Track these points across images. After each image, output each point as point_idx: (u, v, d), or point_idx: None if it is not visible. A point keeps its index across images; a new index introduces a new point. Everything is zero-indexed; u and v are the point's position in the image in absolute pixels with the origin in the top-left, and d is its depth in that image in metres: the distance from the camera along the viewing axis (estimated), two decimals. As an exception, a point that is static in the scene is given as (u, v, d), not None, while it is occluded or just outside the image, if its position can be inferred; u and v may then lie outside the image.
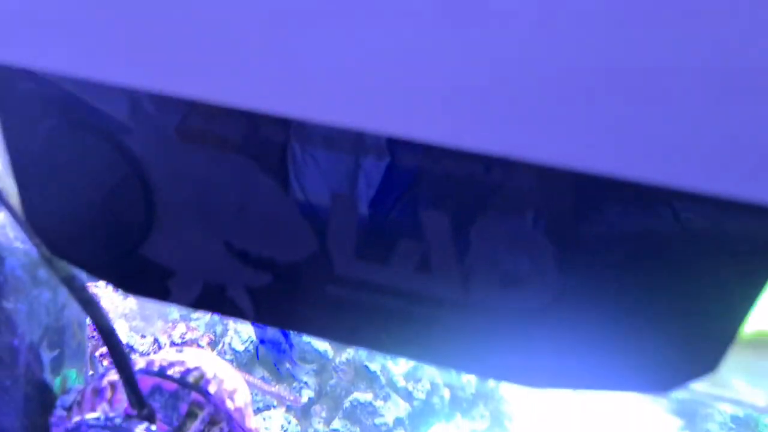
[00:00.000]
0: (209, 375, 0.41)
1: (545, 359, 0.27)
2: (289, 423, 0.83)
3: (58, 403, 0.41)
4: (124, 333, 0.55)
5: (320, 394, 0.87)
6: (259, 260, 0.28)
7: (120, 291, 0.31)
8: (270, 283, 0.28)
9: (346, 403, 0.85)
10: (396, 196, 0.25)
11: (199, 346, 0.62)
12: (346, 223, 0.26)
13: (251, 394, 0.71)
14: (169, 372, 0.40)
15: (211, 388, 0.41)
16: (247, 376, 0.69)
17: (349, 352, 0.93)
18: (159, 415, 0.38)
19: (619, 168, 0.18)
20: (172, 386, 0.39)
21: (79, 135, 0.27)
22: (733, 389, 0.32)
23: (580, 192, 0.23)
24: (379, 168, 0.25)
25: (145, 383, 0.39)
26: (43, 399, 0.41)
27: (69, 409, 0.41)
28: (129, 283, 0.30)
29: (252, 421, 0.42)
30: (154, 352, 0.56)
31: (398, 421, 0.86)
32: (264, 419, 0.73)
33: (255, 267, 0.28)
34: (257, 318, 0.30)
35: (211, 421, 0.40)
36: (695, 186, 0.18)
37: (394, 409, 0.86)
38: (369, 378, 0.86)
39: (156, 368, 0.40)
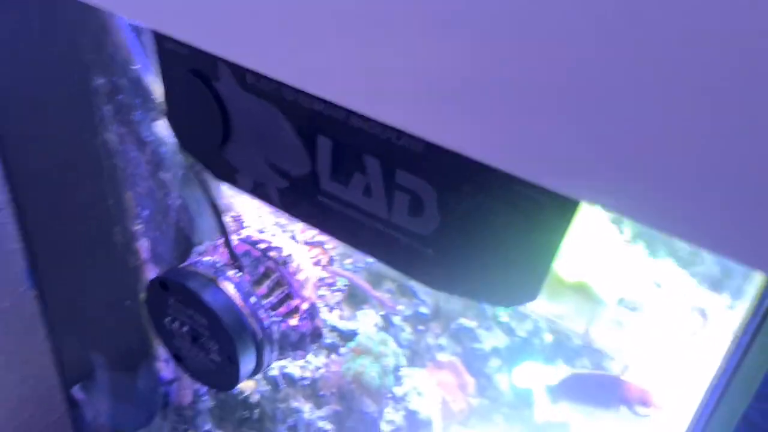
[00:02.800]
0: (284, 255, 0.59)
1: (433, 269, 0.40)
2: (403, 330, 1.00)
3: (194, 249, 0.62)
4: (270, 223, 0.73)
5: (435, 315, 1.03)
6: (281, 171, 0.44)
7: (214, 176, 0.49)
8: (287, 187, 0.44)
9: (454, 326, 1.00)
10: (352, 147, 0.39)
11: (324, 248, 0.80)
12: (326, 159, 0.41)
13: (362, 293, 0.88)
14: (258, 245, 0.59)
15: (283, 264, 0.58)
16: (356, 278, 0.86)
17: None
18: (246, 269, 0.57)
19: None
20: (257, 253, 0.58)
21: (194, 81, 0.44)
22: (564, 320, 0.41)
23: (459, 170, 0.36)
24: (348, 133, 0.39)
25: (241, 248, 0.58)
26: (186, 243, 0.62)
27: (199, 254, 0.61)
28: (217, 172, 0.48)
29: (310, 293, 0.60)
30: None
31: (494, 350, 0.99)
32: (360, 315, 0.90)
33: (279, 175, 0.44)
34: (281, 207, 0.46)
35: (278, 283, 0.58)
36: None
37: (492, 339, 0.99)
38: (477, 309, 0.99)
39: (250, 240, 0.59)
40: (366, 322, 0.86)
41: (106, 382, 0.88)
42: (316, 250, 0.79)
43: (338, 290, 0.85)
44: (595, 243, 0.37)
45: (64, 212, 0.66)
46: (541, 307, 0.43)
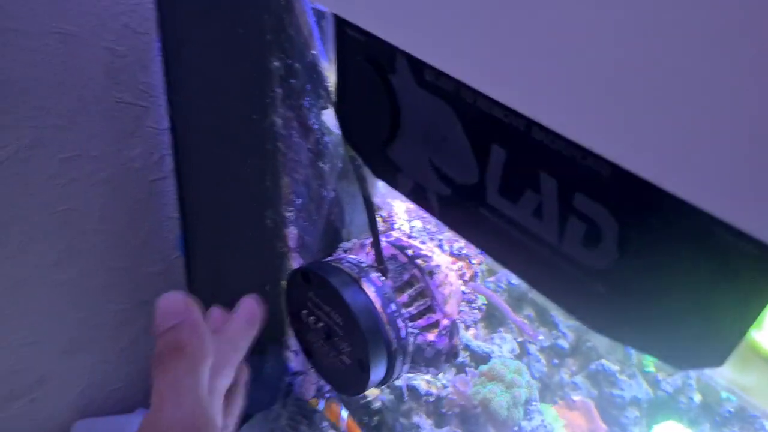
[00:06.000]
0: (432, 265, 0.56)
1: (602, 311, 0.36)
2: (538, 362, 0.94)
3: (341, 246, 0.60)
4: (420, 230, 0.71)
5: (575, 350, 0.96)
6: (445, 176, 0.41)
7: (372, 173, 0.47)
8: (449, 195, 0.41)
9: (593, 366, 0.93)
10: (528, 162, 0.36)
11: (470, 262, 0.76)
12: (497, 170, 0.38)
13: (501, 315, 0.84)
14: (406, 251, 0.56)
15: (429, 275, 0.55)
16: (497, 297, 0.82)
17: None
18: (390, 274, 0.54)
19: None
20: (404, 259, 0.55)
21: (369, 71, 0.42)
22: (752, 394, 0.35)
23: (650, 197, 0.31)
24: (526, 146, 0.36)
25: (388, 250, 0.55)
26: (334, 237, 0.60)
27: (345, 250, 0.60)
28: (377, 169, 0.46)
29: (453, 309, 0.56)
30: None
31: (634, 401, 0.91)
32: (497, 338, 0.85)
33: (443, 180, 0.41)
34: (439, 217, 0.43)
35: (421, 294, 0.55)
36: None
37: (635, 388, 0.91)
38: (622, 352, 0.91)
39: (399, 244, 0.56)
40: (503, 346, 0.82)
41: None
42: (461, 263, 0.76)
43: (477, 308, 0.81)
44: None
45: (223, 188, 0.67)
46: (723, 374, 0.37)
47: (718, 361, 0.32)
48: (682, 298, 0.32)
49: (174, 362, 0.40)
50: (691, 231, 0.30)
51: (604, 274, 0.35)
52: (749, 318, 0.30)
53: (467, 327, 0.81)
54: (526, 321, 0.88)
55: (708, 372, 0.40)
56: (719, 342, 0.31)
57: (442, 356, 0.56)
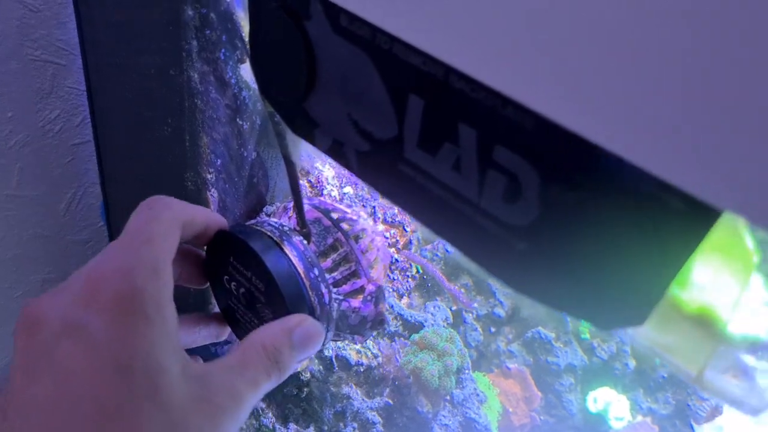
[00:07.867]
0: (358, 229, 0.54)
1: (522, 269, 0.34)
2: (475, 330, 0.94)
3: (264, 209, 0.58)
4: (352, 196, 0.69)
5: (511, 319, 0.96)
6: (363, 131, 0.39)
7: (291, 129, 0.44)
8: (367, 150, 0.39)
9: (529, 333, 0.93)
10: (446, 112, 0.34)
11: (404, 229, 0.75)
12: (415, 122, 0.36)
13: (436, 284, 0.83)
14: (331, 214, 0.54)
15: (355, 239, 0.53)
16: (432, 266, 0.81)
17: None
18: (313, 238, 0.52)
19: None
20: (328, 223, 0.53)
21: (282, 17, 0.40)
22: (674, 355, 0.34)
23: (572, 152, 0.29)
24: (444, 95, 0.33)
25: (312, 214, 0.53)
26: (258, 200, 0.58)
27: (268, 214, 0.57)
28: (295, 125, 0.44)
29: (379, 275, 0.54)
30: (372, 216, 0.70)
31: (569, 368, 0.91)
32: (431, 306, 0.84)
33: (361, 136, 0.39)
34: (358, 174, 0.41)
35: (345, 258, 0.53)
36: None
37: (570, 356, 0.91)
38: (558, 319, 0.91)
39: (323, 207, 0.54)
40: (436, 315, 0.81)
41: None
42: (395, 230, 0.74)
43: (411, 276, 0.80)
44: (735, 264, 0.30)
45: (142, 150, 0.64)
46: (645, 334, 0.36)
47: (639, 319, 0.31)
48: (602, 255, 0.30)
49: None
50: (613, 184, 0.28)
51: (525, 230, 0.33)
52: (669, 274, 0.29)
53: (400, 296, 0.79)
54: (463, 290, 0.87)
55: (630, 331, 0.39)
56: (640, 300, 0.30)
57: (368, 323, 0.54)
